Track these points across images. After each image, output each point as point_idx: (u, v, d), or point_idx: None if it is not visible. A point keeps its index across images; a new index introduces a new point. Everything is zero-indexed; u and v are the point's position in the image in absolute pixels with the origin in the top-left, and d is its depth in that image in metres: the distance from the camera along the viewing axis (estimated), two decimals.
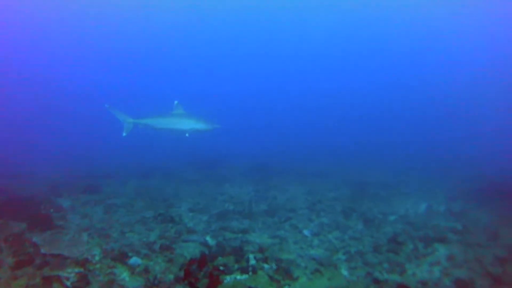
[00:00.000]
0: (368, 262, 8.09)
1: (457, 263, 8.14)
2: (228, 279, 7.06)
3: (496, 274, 7.59)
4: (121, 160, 22.75)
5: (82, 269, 7.25)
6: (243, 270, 7.37)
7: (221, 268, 7.43)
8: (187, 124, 13.44)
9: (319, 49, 57.88)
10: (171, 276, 7.09)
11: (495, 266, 7.98)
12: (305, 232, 9.95)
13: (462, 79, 46.59)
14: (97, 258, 7.84)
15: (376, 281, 7.23)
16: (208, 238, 9.26)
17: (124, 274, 7.18)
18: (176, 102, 13.76)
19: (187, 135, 13.36)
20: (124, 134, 13.83)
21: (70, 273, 7.08)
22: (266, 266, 7.64)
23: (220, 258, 7.89)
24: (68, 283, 6.73)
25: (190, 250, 8.40)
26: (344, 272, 7.61)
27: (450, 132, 34.20)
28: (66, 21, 51.06)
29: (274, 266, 7.63)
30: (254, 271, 7.38)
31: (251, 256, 8.01)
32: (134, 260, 7.84)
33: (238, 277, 7.16)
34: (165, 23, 54.04)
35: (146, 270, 7.35)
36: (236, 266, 7.55)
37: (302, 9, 51.43)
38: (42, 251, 8.16)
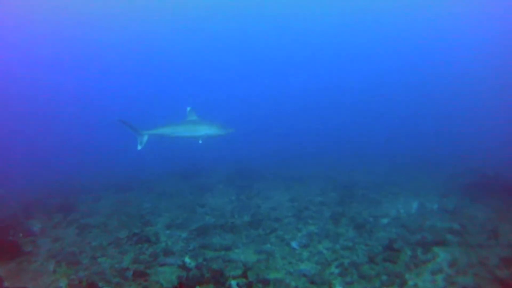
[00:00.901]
0: (365, 275, 7.34)
1: (461, 269, 7.45)
2: None
3: (504, 278, 6.90)
4: (98, 170, 21.79)
5: None
6: None
7: None
8: (202, 130, 13.34)
9: (303, 47, 57.52)
10: None
11: (501, 269, 7.31)
12: (293, 244, 9.19)
13: (451, 74, 46.47)
14: None
15: None
16: (187, 259, 8.45)
17: None
18: (189, 108, 13.64)
19: (200, 141, 13.24)
20: (139, 147, 13.48)
21: None
22: None
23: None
24: None
25: (166, 275, 7.57)
26: None
27: (439, 127, 33.77)
28: (65, 21, 50.66)
29: None
30: None
31: (233, 283, 7.19)
32: None
33: None
34: (166, 26, 53.66)
35: None
36: None
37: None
38: (6, 284, 7.39)
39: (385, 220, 10.64)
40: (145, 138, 13.51)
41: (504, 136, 26.58)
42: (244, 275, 7.49)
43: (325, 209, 11.88)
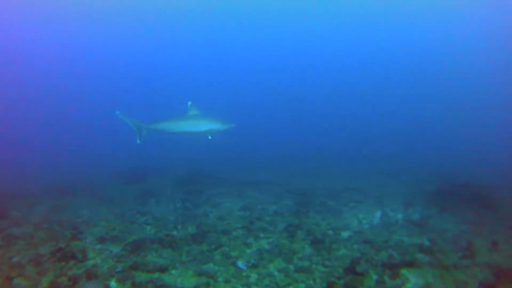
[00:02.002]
0: None
1: None
2: None
3: None
4: (39, 172, 19.74)
5: None
6: None
7: None
8: (204, 125, 13.17)
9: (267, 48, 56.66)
10: None
11: None
12: (240, 263, 7.81)
13: (419, 76, 46.32)
14: None
15: None
16: (112, 284, 6.94)
17: None
18: (190, 103, 13.42)
19: (209, 137, 13.15)
20: (138, 141, 13.36)
21: None
22: None
23: None
24: None
25: None
26: None
27: (405, 131, 33.07)
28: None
29: None
30: None
31: None
32: None
33: None
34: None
35: None
36: None
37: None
38: None
39: (346, 234, 9.43)
40: (145, 132, 13.37)
41: (472, 141, 26.10)
42: None
43: (280, 220, 10.57)
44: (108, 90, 45.01)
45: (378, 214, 11.18)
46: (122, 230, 9.84)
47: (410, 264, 7.31)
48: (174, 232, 9.72)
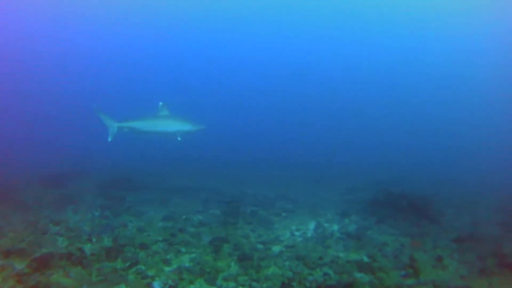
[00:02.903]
0: None
1: None
2: None
3: None
4: None
5: None
6: None
7: None
8: (173, 126, 13.17)
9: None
10: None
11: None
12: (155, 285, 6.66)
13: (355, 83, 46.66)
14: None
15: None
16: None
17: None
18: (161, 103, 13.39)
19: (179, 138, 13.09)
20: (109, 139, 13.18)
21: None
22: None
23: None
24: None
25: None
26: None
27: (339, 137, 32.74)
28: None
29: None
30: None
31: None
32: None
33: None
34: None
35: None
36: None
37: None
38: None
39: (277, 248, 8.46)
40: (115, 130, 13.14)
41: (407, 150, 26.09)
42: None
43: (205, 232, 9.45)
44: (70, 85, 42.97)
45: (312, 225, 10.34)
46: (32, 242, 8.41)
47: (348, 286, 6.42)
48: (88, 245, 8.39)
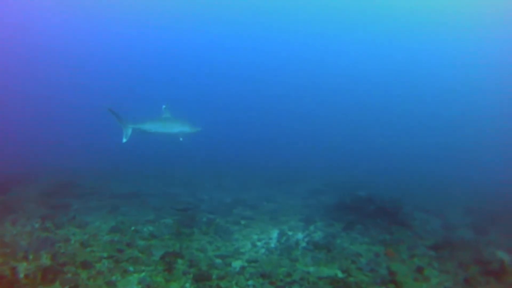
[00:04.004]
0: None
1: None
2: None
3: None
4: None
5: None
6: None
7: None
8: (175, 127, 13.70)
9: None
10: None
11: None
12: None
13: (323, 84, 46.54)
14: None
15: None
16: None
17: None
18: (164, 106, 13.87)
19: (181, 139, 13.64)
20: (124, 140, 13.37)
21: None
22: None
23: None
24: None
25: None
26: None
27: (298, 138, 32.10)
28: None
29: None
30: None
31: None
32: None
33: None
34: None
35: None
36: None
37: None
38: None
39: (238, 264, 7.47)
40: (130, 131, 13.41)
41: (371, 153, 25.69)
42: None
43: (156, 245, 8.37)
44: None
45: (274, 234, 9.46)
46: None
47: None
48: (23, 264, 7.16)
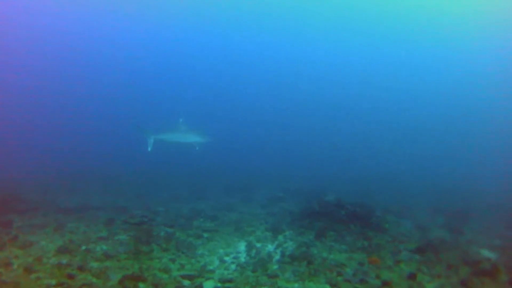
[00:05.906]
0: None
1: None
2: None
3: None
4: None
5: None
6: None
7: None
8: (190, 138, 14.90)
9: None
10: None
11: None
12: None
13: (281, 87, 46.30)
14: None
15: None
16: None
17: None
18: (181, 120, 14.92)
19: (197, 148, 14.82)
20: (149, 149, 14.53)
21: None
22: None
23: None
24: None
25: None
26: None
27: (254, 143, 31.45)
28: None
29: None
30: None
31: None
32: None
33: None
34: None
35: None
36: None
37: None
38: None
39: (209, 285, 6.60)
40: (153, 141, 14.62)
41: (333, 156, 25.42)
42: None
43: (112, 267, 7.36)
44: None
45: (242, 246, 8.72)
46: None
47: None
48: None
